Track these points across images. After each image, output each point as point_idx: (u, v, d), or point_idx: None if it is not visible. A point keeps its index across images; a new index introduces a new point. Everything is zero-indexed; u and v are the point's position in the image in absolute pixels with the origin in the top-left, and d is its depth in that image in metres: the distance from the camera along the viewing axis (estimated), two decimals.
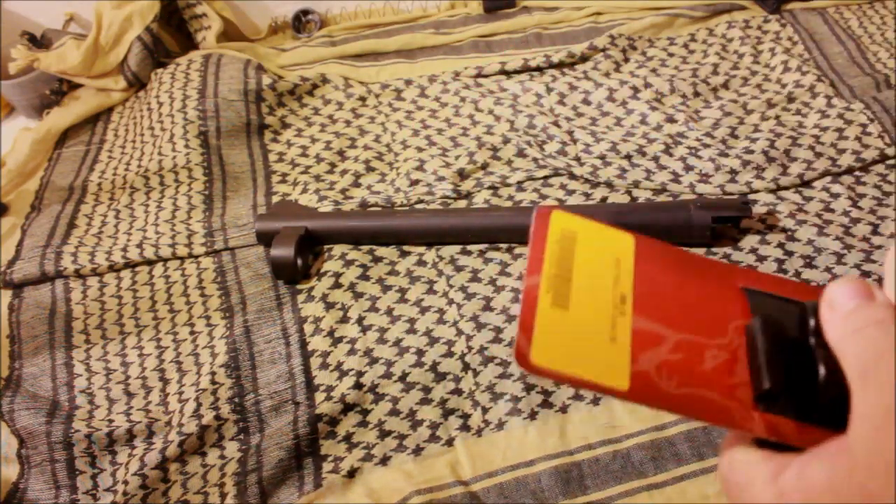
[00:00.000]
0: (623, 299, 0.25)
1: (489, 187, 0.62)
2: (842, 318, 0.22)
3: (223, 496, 0.46)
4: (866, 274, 0.52)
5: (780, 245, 0.55)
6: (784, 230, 0.56)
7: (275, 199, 0.65)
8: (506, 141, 0.66)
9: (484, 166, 0.64)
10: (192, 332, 0.55)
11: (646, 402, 0.23)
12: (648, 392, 0.23)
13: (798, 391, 0.22)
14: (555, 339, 0.23)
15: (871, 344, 0.21)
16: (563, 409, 0.48)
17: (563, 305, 0.24)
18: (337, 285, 0.56)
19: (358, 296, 0.55)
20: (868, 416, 0.20)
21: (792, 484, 0.21)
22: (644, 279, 0.25)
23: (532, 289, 0.24)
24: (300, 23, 0.86)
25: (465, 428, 0.48)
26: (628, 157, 0.63)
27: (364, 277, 0.56)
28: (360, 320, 0.54)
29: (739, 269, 0.27)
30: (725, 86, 0.71)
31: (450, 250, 0.58)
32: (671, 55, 0.75)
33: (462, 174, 0.64)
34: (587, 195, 0.61)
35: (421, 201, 0.61)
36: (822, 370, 0.22)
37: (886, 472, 0.19)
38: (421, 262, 0.57)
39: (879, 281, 0.53)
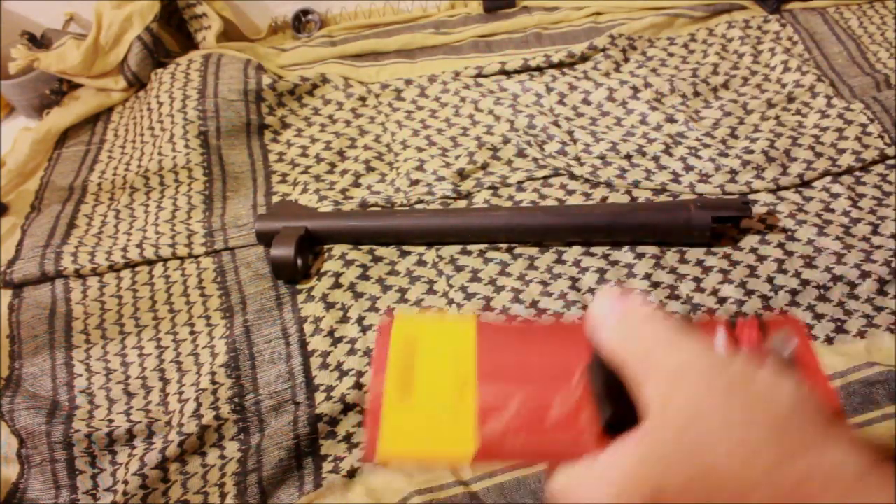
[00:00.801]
0: (466, 380, 0.27)
1: (489, 187, 0.62)
2: (610, 331, 0.24)
3: (223, 496, 0.46)
4: (866, 274, 0.52)
5: (780, 245, 0.55)
6: (784, 230, 0.56)
7: (275, 199, 0.65)
8: (506, 141, 0.66)
9: (484, 166, 0.64)
10: (192, 332, 0.55)
11: (493, 461, 0.25)
12: (496, 452, 0.25)
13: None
14: (401, 430, 0.26)
15: (644, 341, 0.23)
16: None
17: (407, 396, 0.27)
18: (337, 285, 0.56)
19: (358, 296, 0.55)
20: (655, 399, 0.22)
21: (604, 465, 0.23)
22: (486, 355, 0.28)
23: (377, 391, 0.27)
24: (300, 23, 0.86)
25: None
26: (628, 157, 0.63)
27: (364, 277, 0.56)
28: (360, 320, 0.54)
29: (580, 325, 0.28)
30: (725, 86, 0.71)
31: (450, 250, 0.58)
32: (671, 55, 0.75)
33: (462, 174, 0.64)
34: (587, 195, 0.61)
35: (421, 201, 0.61)
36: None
37: (680, 451, 0.21)
38: (421, 262, 0.57)
39: (881, 283, 0.53)
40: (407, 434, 0.26)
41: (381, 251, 0.58)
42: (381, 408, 0.26)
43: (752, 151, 0.62)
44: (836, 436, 0.20)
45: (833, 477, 0.19)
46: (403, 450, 0.26)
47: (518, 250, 0.57)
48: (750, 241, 0.56)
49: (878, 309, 0.51)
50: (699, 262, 0.55)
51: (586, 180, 0.62)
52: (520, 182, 0.63)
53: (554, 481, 0.25)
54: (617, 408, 0.25)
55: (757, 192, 0.60)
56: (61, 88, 0.78)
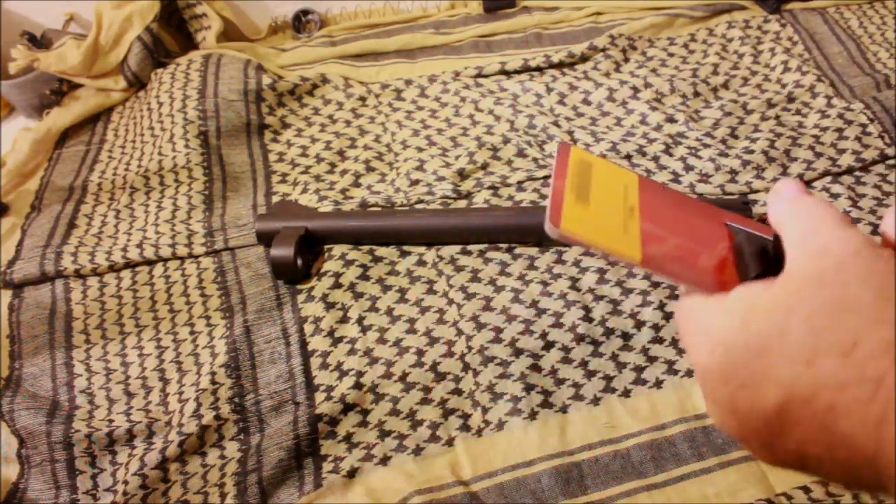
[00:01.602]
0: (632, 209, 0.30)
1: (489, 187, 0.62)
2: (785, 201, 0.27)
3: (223, 496, 0.46)
4: None
5: None
6: None
7: (275, 199, 0.65)
8: (506, 141, 0.66)
9: (484, 166, 0.64)
10: (192, 332, 0.55)
11: (656, 270, 0.28)
12: (658, 263, 0.28)
13: None
14: (579, 218, 0.28)
15: (807, 218, 0.26)
16: (563, 409, 0.48)
17: (584, 201, 0.29)
18: (337, 285, 0.56)
19: (358, 296, 0.55)
20: (807, 255, 0.24)
21: (734, 298, 0.25)
22: (647, 202, 0.31)
23: (559, 187, 0.29)
24: (300, 23, 0.86)
25: (465, 428, 0.48)
26: (628, 157, 0.63)
27: (364, 277, 0.56)
28: (360, 320, 0.54)
29: (724, 211, 0.32)
30: (725, 86, 0.71)
31: (450, 250, 0.58)
32: (671, 55, 0.75)
33: (462, 174, 0.64)
34: None
35: (421, 201, 0.61)
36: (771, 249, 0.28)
37: (817, 288, 0.23)
38: (421, 262, 0.57)
39: None
40: (585, 222, 0.28)
41: (381, 251, 0.58)
42: (563, 198, 0.29)
43: (752, 151, 0.62)
44: None
45: None
46: (582, 231, 0.28)
47: (518, 250, 0.57)
48: None
49: None
50: None
51: None
52: (520, 182, 0.63)
53: (683, 306, 0.28)
54: (763, 270, 0.27)
55: (757, 192, 0.60)
56: (61, 88, 0.78)
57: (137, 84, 0.78)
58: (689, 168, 0.62)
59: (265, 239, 0.58)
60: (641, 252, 0.28)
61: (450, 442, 0.47)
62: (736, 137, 0.64)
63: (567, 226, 0.28)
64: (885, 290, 0.22)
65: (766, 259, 0.28)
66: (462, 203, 0.61)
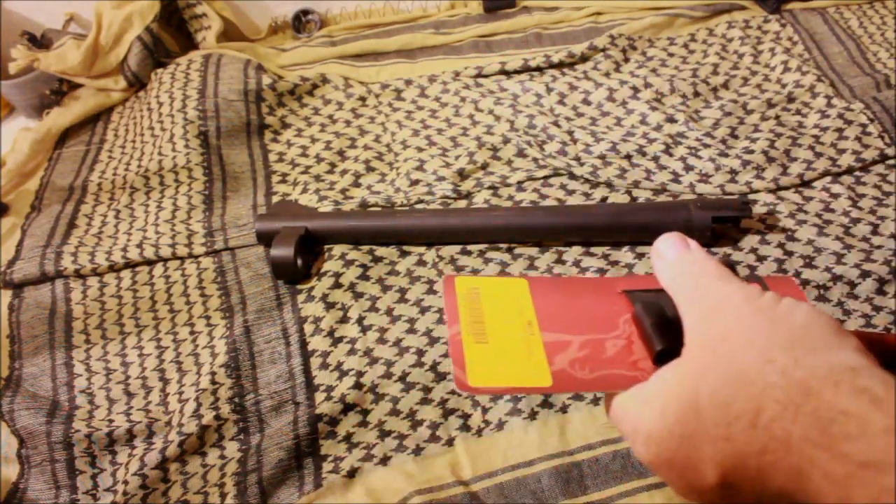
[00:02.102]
0: (530, 324, 0.31)
1: (489, 187, 0.62)
2: (667, 264, 0.30)
3: (223, 496, 0.46)
4: (866, 274, 0.52)
5: (780, 245, 0.55)
6: (784, 230, 0.56)
7: (275, 199, 0.65)
8: (506, 141, 0.66)
9: (484, 166, 0.64)
10: (192, 332, 0.55)
11: (569, 390, 0.29)
12: (568, 383, 0.29)
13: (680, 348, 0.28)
14: (484, 365, 0.29)
15: (691, 281, 0.28)
16: (563, 409, 0.48)
17: (483, 341, 0.30)
18: (337, 285, 0.56)
19: (358, 296, 0.55)
20: (696, 326, 0.27)
21: (649, 388, 0.27)
22: (542, 307, 0.32)
23: (456, 335, 0.30)
24: (300, 23, 0.86)
25: (465, 428, 0.48)
26: (628, 157, 0.63)
27: (364, 277, 0.56)
28: (360, 320, 0.54)
29: (616, 279, 0.34)
30: (725, 86, 0.71)
31: (450, 250, 0.58)
32: (671, 55, 0.75)
33: (462, 174, 0.64)
34: (587, 195, 0.61)
35: (421, 201, 0.61)
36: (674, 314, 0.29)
37: (712, 364, 0.25)
38: (421, 262, 0.57)
39: (880, 282, 0.53)
40: (490, 369, 0.29)
41: (381, 251, 0.58)
42: (462, 349, 0.29)
43: (752, 151, 0.62)
44: (843, 343, 0.24)
45: (838, 372, 0.22)
46: (489, 380, 0.29)
47: (518, 250, 0.57)
48: (750, 241, 0.56)
49: (878, 309, 0.51)
50: None
51: (586, 180, 0.62)
52: (520, 182, 0.63)
53: (612, 406, 0.29)
54: (669, 341, 0.29)
55: (757, 192, 0.60)
56: (61, 88, 0.78)
57: (137, 84, 0.78)
58: (689, 168, 0.62)
59: (265, 239, 0.58)
60: (551, 374, 0.29)
61: (450, 442, 0.47)
62: (736, 137, 0.64)
63: (475, 382, 0.28)
64: (767, 352, 0.24)
65: (666, 324, 0.29)
66: (462, 203, 0.61)
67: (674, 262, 0.30)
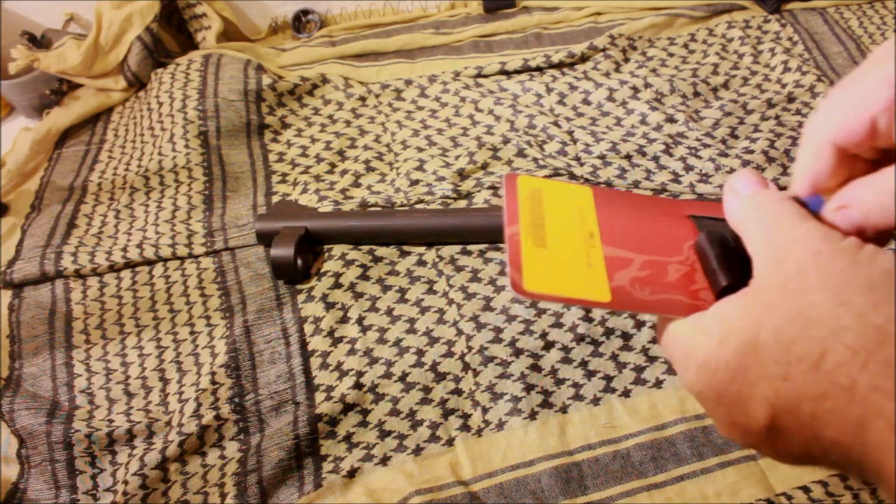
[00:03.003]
0: (591, 235, 0.29)
1: (489, 187, 0.62)
2: (743, 200, 0.27)
3: (223, 496, 0.46)
4: None
5: None
6: None
7: (275, 199, 0.65)
8: (506, 141, 0.66)
9: (484, 166, 0.64)
10: (192, 332, 0.55)
11: (627, 308, 0.28)
12: (627, 300, 0.28)
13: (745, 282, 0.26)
14: (542, 270, 0.28)
15: (767, 218, 0.26)
16: (563, 409, 0.48)
17: (542, 245, 0.28)
18: (337, 285, 0.56)
19: (358, 296, 0.55)
20: (767, 261, 0.25)
21: (709, 317, 0.26)
22: (606, 219, 0.30)
23: (514, 235, 0.28)
24: (300, 23, 0.86)
25: (465, 428, 0.48)
26: (628, 157, 0.63)
27: (364, 277, 0.56)
28: (360, 320, 0.54)
29: (684, 202, 0.31)
30: (725, 86, 0.71)
31: (450, 250, 0.58)
32: (671, 55, 0.75)
33: (462, 174, 0.64)
34: None
35: (421, 201, 0.61)
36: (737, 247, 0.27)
37: (781, 299, 0.23)
38: (421, 262, 0.57)
39: None
40: (547, 275, 0.27)
41: (381, 251, 0.58)
42: (521, 250, 0.28)
43: (752, 151, 0.62)
44: None
45: None
46: (546, 286, 0.27)
47: None
48: None
49: None
50: None
51: (586, 180, 0.62)
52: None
53: (666, 331, 0.28)
54: (733, 276, 0.27)
55: None
56: (61, 88, 0.78)
57: (137, 84, 0.78)
58: (689, 168, 0.62)
59: (265, 239, 0.58)
60: (609, 289, 0.28)
61: (450, 442, 0.47)
62: (736, 137, 0.64)
63: (531, 286, 0.27)
64: (843, 293, 0.22)
65: (731, 256, 0.28)
66: (462, 203, 0.61)
67: (748, 197, 0.27)
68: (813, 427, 0.22)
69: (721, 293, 0.28)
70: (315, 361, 0.51)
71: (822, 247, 0.24)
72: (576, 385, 0.49)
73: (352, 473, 0.46)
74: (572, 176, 0.62)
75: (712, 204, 0.32)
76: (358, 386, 0.49)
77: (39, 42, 0.77)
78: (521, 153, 0.65)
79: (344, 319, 0.54)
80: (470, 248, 0.58)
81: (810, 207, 0.28)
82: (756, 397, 0.23)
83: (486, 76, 0.74)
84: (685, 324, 0.27)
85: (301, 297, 0.56)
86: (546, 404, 0.48)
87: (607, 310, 0.29)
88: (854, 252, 0.23)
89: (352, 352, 0.52)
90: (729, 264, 0.28)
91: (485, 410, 0.48)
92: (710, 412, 0.26)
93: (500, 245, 0.57)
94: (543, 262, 0.28)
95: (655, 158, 0.63)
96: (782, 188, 0.28)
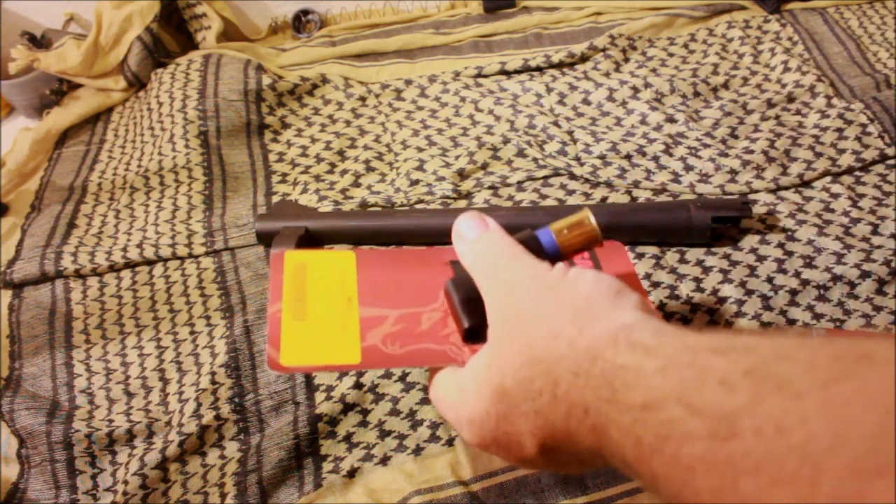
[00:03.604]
0: (350, 299, 0.32)
1: (489, 187, 0.62)
2: (469, 245, 0.31)
3: (223, 496, 0.46)
4: (866, 274, 0.52)
5: (780, 245, 0.55)
6: (784, 230, 0.56)
7: (275, 199, 0.65)
8: (506, 141, 0.66)
9: (484, 166, 0.64)
10: (192, 332, 0.55)
11: (378, 366, 0.30)
12: (377, 358, 0.30)
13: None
14: (298, 343, 0.30)
15: (488, 262, 0.29)
16: None
17: (301, 319, 0.31)
18: None
19: None
20: (494, 309, 0.28)
21: (465, 375, 0.29)
22: (365, 281, 0.32)
23: (276, 313, 0.31)
24: (300, 23, 0.86)
25: None
26: (628, 157, 0.63)
27: None
28: None
29: (444, 248, 0.34)
30: (725, 86, 0.71)
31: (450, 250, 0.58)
32: (671, 55, 0.75)
33: (462, 174, 0.64)
34: (587, 195, 0.61)
35: (421, 201, 0.61)
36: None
37: (511, 347, 0.26)
38: None
39: (880, 282, 0.53)
40: (303, 348, 0.30)
41: None
42: (280, 327, 0.30)
43: (752, 151, 0.62)
44: (622, 304, 0.26)
45: (616, 331, 0.24)
46: (301, 359, 0.29)
47: None
48: (750, 241, 0.56)
49: (878, 309, 0.51)
50: (699, 262, 0.55)
51: (586, 180, 0.62)
52: (520, 182, 0.63)
53: (431, 393, 0.31)
54: (475, 318, 0.30)
55: (757, 192, 0.60)
56: (61, 88, 0.78)
57: (137, 84, 0.78)
58: (689, 168, 0.62)
59: (265, 239, 0.58)
60: (360, 350, 0.30)
61: (450, 442, 0.47)
62: (736, 137, 0.64)
63: (287, 361, 0.29)
64: (555, 328, 0.25)
65: (476, 300, 0.29)
66: (462, 203, 0.61)
67: (473, 242, 0.30)
68: (573, 442, 0.25)
69: (467, 334, 0.30)
70: None
71: (531, 287, 0.27)
72: None
73: (352, 473, 0.46)
74: (572, 176, 0.62)
75: None
76: (358, 386, 0.49)
77: (39, 42, 0.77)
78: (521, 153, 0.65)
79: None
80: None
81: (540, 239, 0.31)
82: (523, 433, 0.26)
83: (486, 76, 0.74)
84: (447, 384, 0.30)
85: None
86: None
87: (363, 370, 0.32)
88: (559, 282, 0.27)
89: None
90: (472, 307, 0.30)
91: None
92: (494, 454, 0.29)
93: None
94: (301, 336, 0.30)
95: (655, 158, 0.63)
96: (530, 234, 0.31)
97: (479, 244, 0.30)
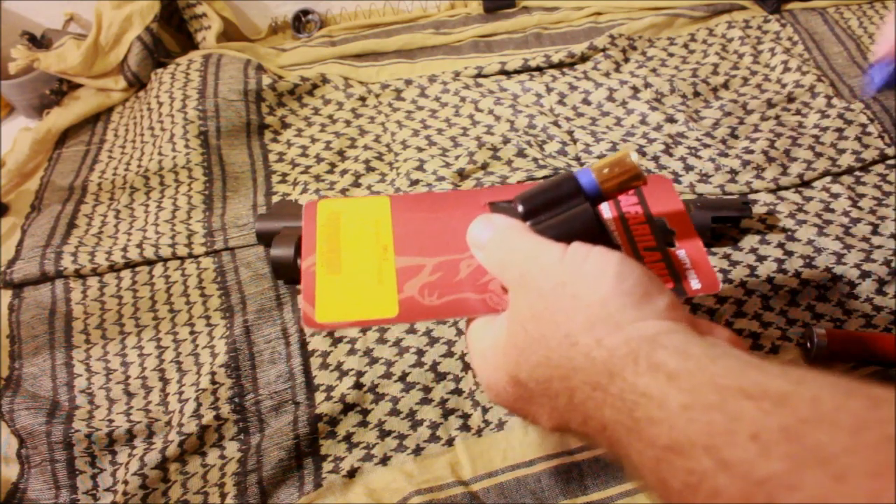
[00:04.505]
0: (385, 248, 0.30)
1: (489, 187, 0.62)
2: (486, 253, 0.29)
3: (223, 496, 0.46)
4: (866, 274, 0.52)
5: (780, 245, 0.55)
6: (784, 230, 0.56)
7: (275, 199, 0.65)
8: (506, 141, 0.66)
9: (484, 166, 0.64)
10: (192, 332, 0.55)
11: (415, 319, 0.29)
12: (415, 311, 0.29)
13: None
14: (334, 299, 0.29)
15: (503, 259, 0.28)
16: None
17: (336, 271, 0.29)
18: None
19: None
20: (513, 302, 0.27)
21: (488, 342, 0.28)
22: (401, 228, 0.31)
23: (310, 267, 0.30)
24: (300, 23, 0.86)
25: (465, 428, 0.48)
26: None
27: None
28: None
29: (482, 190, 0.33)
30: (725, 86, 0.71)
31: None
32: (671, 55, 0.75)
33: (462, 174, 0.64)
34: None
35: None
36: None
37: (528, 344, 0.26)
38: None
39: (880, 282, 0.53)
40: (339, 303, 0.29)
41: None
42: (314, 283, 0.29)
43: (752, 151, 0.62)
44: (644, 312, 0.24)
45: (637, 345, 0.22)
46: (336, 315, 0.29)
47: None
48: (750, 241, 0.56)
49: (878, 309, 0.51)
50: None
51: None
52: (520, 182, 0.63)
53: (467, 336, 0.30)
54: None
55: (757, 192, 0.60)
56: (61, 88, 0.78)
57: (137, 84, 0.78)
58: (689, 168, 0.62)
59: (265, 239, 0.58)
60: (398, 303, 0.29)
61: (450, 442, 0.47)
62: (736, 137, 0.64)
63: (322, 317, 0.28)
64: (572, 334, 0.24)
65: None
66: None
67: (487, 245, 0.29)
68: (590, 439, 0.24)
69: None
70: (315, 361, 0.51)
71: (543, 283, 0.26)
72: None
73: (352, 473, 0.46)
74: None
75: (509, 187, 0.32)
76: (358, 386, 0.49)
77: (39, 42, 0.77)
78: (521, 153, 0.65)
79: None
80: None
81: (580, 180, 0.29)
82: (537, 414, 0.26)
83: (486, 76, 0.74)
84: (478, 335, 0.29)
85: (301, 297, 0.56)
86: None
87: (399, 324, 0.31)
88: (573, 275, 0.25)
89: (352, 352, 0.52)
90: None
91: (485, 410, 0.48)
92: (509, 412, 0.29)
93: None
94: (336, 290, 0.29)
95: (655, 158, 0.63)
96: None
97: (490, 246, 0.29)
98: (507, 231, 0.29)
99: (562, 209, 0.29)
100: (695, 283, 0.30)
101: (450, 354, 0.51)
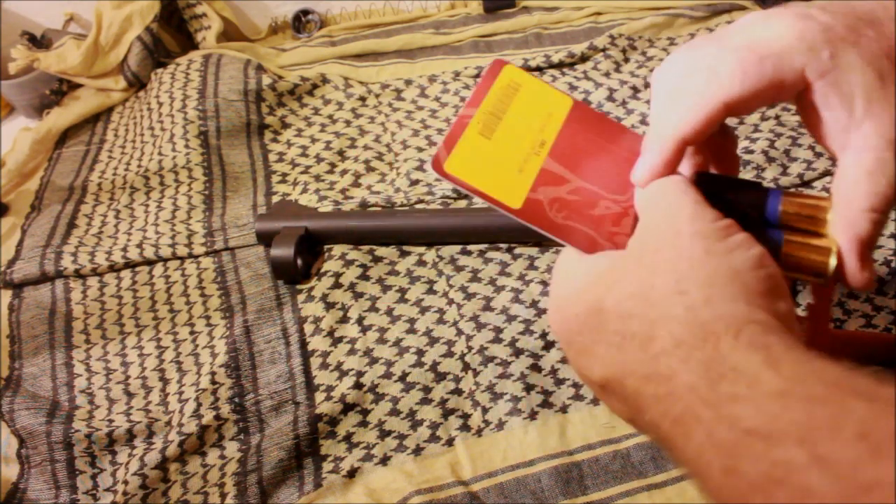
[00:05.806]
0: (542, 144, 0.29)
1: None
2: (648, 189, 0.28)
3: (223, 496, 0.46)
4: None
5: None
6: None
7: (275, 199, 0.65)
8: None
9: None
10: (192, 332, 0.55)
11: (532, 223, 0.28)
12: (536, 216, 0.28)
13: None
14: (470, 157, 0.28)
15: (665, 204, 0.26)
16: (564, 409, 0.48)
17: (487, 136, 0.29)
18: (337, 285, 0.56)
19: (358, 296, 0.55)
20: (637, 237, 0.26)
21: (584, 266, 0.27)
22: (568, 134, 0.30)
23: (465, 117, 0.29)
24: (300, 23, 0.86)
25: (465, 428, 0.48)
26: None
27: (364, 277, 0.56)
28: (360, 320, 0.54)
29: None
30: None
31: (450, 250, 0.58)
32: None
33: None
34: None
35: (421, 201, 0.61)
36: None
37: (632, 272, 0.24)
38: (421, 262, 0.57)
39: (880, 283, 0.53)
40: (472, 164, 0.28)
41: (381, 251, 0.58)
42: (462, 134, 0.28)
43: (752, 151, 0.62)
44: (770, 303, 0.22)
45: (744, 322, 0.21)
46: (464, 173, 0.28)
47: (518, 250, 0.57)
48: None
49: (878, 309, 0.51)
50: None
51: None
52: None
53: (558, 259, 0.29)
54: None
55: None
56: (61, 88, 0.78)
57: (137, 84, 0.78)
58: None
59: (265, 239, 0.58)
60: (525, 198, 0.28)
61: (450, 442, 0.47)
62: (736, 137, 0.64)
63: (451, 168, 0.27)
64: (684, 282, 0.22)
65: None
66: (462, 203, 0.61)
67: (653, 183, 0.28)
68: (637, 404, 0.22)
69: None
70: (315, 361, 0.51)
71: (684, 228, 0.24)
72: (576, 385, 0.49)
73: (352, 473, 0.46)
74: None
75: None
76: (358, 386, 0.49)
77: (39, 42, 0.77)
78: None
79: (344, 319, 0.54)
80: (470, 248, 0.58)
81: (768, 198, 0.28)
82: (596, 355, 0.24)
83: None
84: (567, 262, 0.28)
85: (301, 297, 0.56)
86: (546, 404, 0.48)
87: (514, 217, 0.30)
88: (716, 240, 0.23)
89: (352, 352, 0.52)
90: None
91: (485, 410, 0.48)
92: (563, 347, 0.27)
93: (500, 245, 0.57)
94: (478, 152, 0.28)
95: None
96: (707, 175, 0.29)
97: (656, 184, 0.27)
98: (679, 180, 0.27)
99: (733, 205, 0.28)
100: None
101: (450, 354, 0.51)
